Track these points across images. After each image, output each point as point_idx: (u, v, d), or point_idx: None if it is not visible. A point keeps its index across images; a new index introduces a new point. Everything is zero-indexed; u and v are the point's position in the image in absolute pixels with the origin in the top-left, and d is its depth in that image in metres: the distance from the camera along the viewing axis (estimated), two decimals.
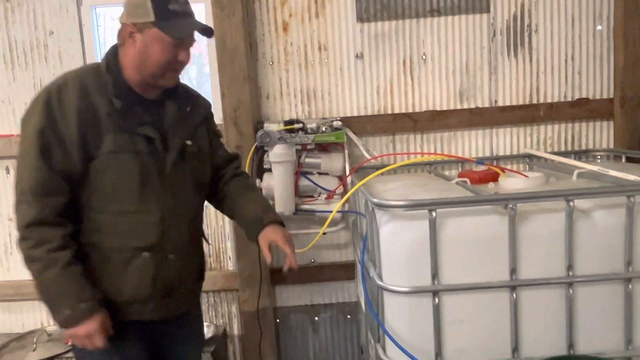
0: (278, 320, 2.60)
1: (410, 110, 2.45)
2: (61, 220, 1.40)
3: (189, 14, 1.50)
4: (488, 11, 2.39)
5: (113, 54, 1.51)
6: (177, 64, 1.49)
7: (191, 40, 1.52)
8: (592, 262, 1.47)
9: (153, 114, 1.52)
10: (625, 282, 1.47)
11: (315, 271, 2.55)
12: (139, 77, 1.48)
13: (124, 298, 1.48)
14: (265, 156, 2.34)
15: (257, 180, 2.37)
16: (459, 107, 2.44)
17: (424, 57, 2.43)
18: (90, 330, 1.38)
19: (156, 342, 1.63)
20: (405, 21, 2.40)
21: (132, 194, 1.46)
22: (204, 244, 1.75)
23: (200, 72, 2.86)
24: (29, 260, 1.38)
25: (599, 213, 1.48)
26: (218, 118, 2.13)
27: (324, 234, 2.50)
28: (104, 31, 2.60)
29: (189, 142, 1.58)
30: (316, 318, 2.61)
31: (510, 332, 1.48)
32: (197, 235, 1.67)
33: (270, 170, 2.33)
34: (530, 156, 2.38)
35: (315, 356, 2.64)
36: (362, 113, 2.45)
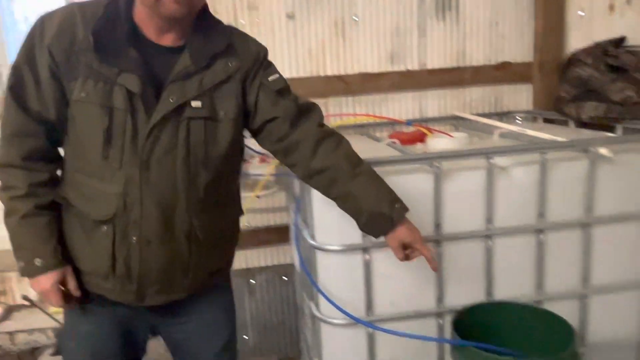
0: None
1: (343, 73, 2.45)
2: (32, 165, 1.24)
3: None
4: None
5: None
6: None
7: None
8: (510, 216, 1.57)
9: (157, 62, 1.21)
10: (537, 233, 1.59)
11: (250, 235, 2.54)
12: (145, 9, 1.18)
13: (87, 267, 1.30)
14: None
15: None
16: (390, 69, 2.47)
17: (355, 19, 2.42)
18: (44, 288, 1.27)
19: (156, 331, 1.47)
20: None
21: (95, 154, 1.20)
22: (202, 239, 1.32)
23: None
24: None
25: (516, 169, 1.58)
26: None
27: (258, 197, 2.50)
28: None
29: (196, 103, 1.22)
30: (252, 281, 2.62)
31: (435, 284, 1.56)
32: (182, 225, 1.26)
33: None
34: (457, 118, 2.48)
35: (252, 318, 2.66)
36: (295, 75, 2.42)
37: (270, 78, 1.33)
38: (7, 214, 1.25)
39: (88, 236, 1.26)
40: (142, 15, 1.21)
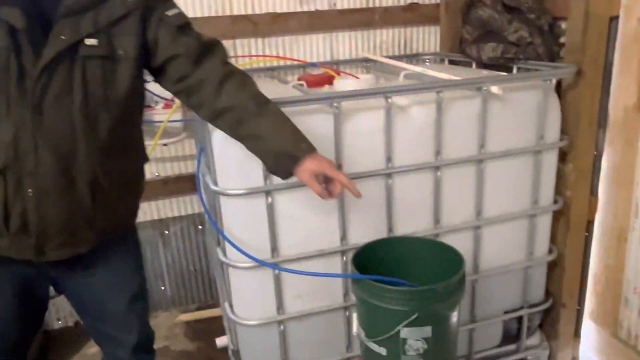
0: None
1: (250, 12, 2.34)
2: None
3: None
4: None
5: None
6: None
7: None
8: (408, 154, 1.62)
9: None
10: (434, 170, 1.65)
11: (160, 185, 2.46)
12: None
13: None
14: None
15: None
16: (298, 9, 2.39)
17: None
18: None
19: (58, 288, 1.40)
20: None
21: None
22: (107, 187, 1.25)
23: None
24: None
25: (414, 109, 1.61)
26: None
27: (164, 145, 2.40)
28: None
29: (91, 41, 1.13)
30: (166, 232, 2.57)
31: (338, 223, 1.60)
32: (83, 174, 1.20)
33: None
34: (367, 60, 2.47)
35: (169, 269, 2.63)
36: (199, 14, 2.28)
37: (170, 12, 1.26)
38: None
39: None
40: None
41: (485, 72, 1.97)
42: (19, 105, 1.11)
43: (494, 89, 1.61)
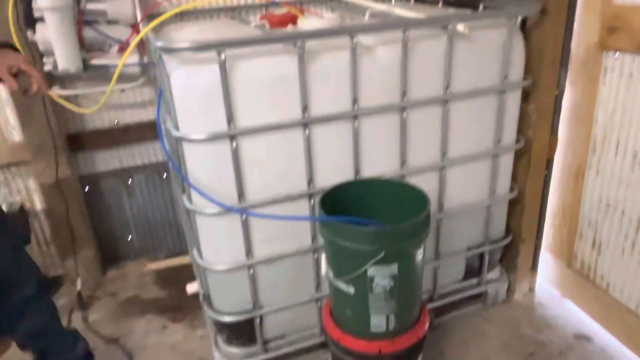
0: (86, 189, 2.44)
1: None
2: None
3: None
4: None
5: None
6: None
7: None
8: (375, 95, 1.59)
9: None
10: (400, 111, 1.64)
11: (120, 133, 2.38)
12: None
13: None
14: (33, 2, 1.94)
15: (30, 33, 1.99)
16: None
17: None
18: None
19: None
20: None
21: None
22: None
23: None
24: None
25: (380, 49, 1.58)
26: None
27: (122, 91, 2.30)
28: None
29: None
30: (129, 181, 2.51)
31: (305, 166, 1.59)
32: None
33: (43, 19, 1.96)
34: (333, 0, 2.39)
35: (134, 219, 2.59)
36: None
37: None
38: None
39: None
40: None
41: (451, 11, 1.93)
42: None
43: (460, 27, 1.59)
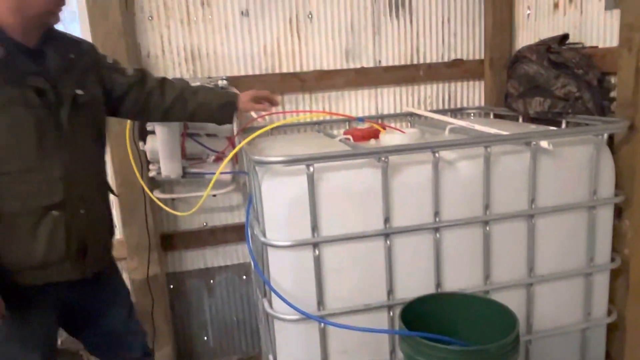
0: (172, 287, 2.55)
1: (298, 70, 2.45)
2: None
3: None
4: None
5: None
6: None
7: None
8: (456, 208, 1.61)
9: (38, 64, 1.39)
10: (483, 225, 1.62)
11: (208, 234, 2.52)
12: (18, 20, 1.33)
13: (35, 262, 1.39)
14: None
15: (140, 143, 2.26)
16: (345, 66, 2.49)
17: (310, 16, 2.42)
18: None
19: (73, 305, 1.57)
20: None
21: (30, 150, 1.35)
22: (110, 196, 1.69)
23: (70, 30, 2.62)
24: None
25: (462, 163, 1.61)
26: None
27: (214, 196, 2.48)
28: None
29: (79, 92, 1.46)
30: (211, 281, 2.60)
31: (385, 277, 1.58)
32: (103, 187, 1.61)
33: (153, 132, 2.23)
34: (411, 114, 2.51)
35: (212, 319, 2.64)
36: (250, 72, 2.41)
37: (110, 61, 1.68)
38: None
39: (35, 230, 1.37)
40: (10, 22, 1.34)
41: (533, 127, 1.96)
42: (60, 148, 1.40)
43: (544, 143, 1.60)
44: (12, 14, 1.32)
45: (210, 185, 1.80)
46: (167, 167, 2.22)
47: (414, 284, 1.60)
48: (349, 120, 2.44)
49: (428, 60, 2.55)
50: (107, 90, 1.63)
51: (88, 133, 1.51)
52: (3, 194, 1.34)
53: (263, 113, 1.93)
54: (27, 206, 1.36)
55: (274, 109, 1.87)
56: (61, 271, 1.44)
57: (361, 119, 2.04)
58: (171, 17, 2.31)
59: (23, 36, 1.37)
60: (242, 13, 2.36)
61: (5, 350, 1.43)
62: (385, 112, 2.56)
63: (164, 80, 1.78)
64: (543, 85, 2.03)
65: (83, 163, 1.47)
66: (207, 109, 1.79)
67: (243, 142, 1.76)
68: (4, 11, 1.32)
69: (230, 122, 1.81)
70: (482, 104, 2.63)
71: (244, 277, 2.62)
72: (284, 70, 2.43)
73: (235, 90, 1.87)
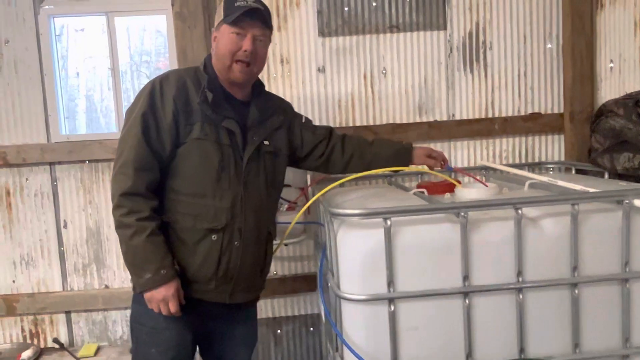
0: None
1: (372, 123, 2.50)
2: (151, 194, 1.57)
3: (256, 8, 1.61)
4: (445, 28, 2.48)
5: (208, 57, 1.71)
6: (240, 53, 1.60)
7: (254, 31, 1.61)
8: (541, 268, 1.52)
9: (238, 112, 1.67)
10: (571, 287, 1.52)
11: (277, 283, 2.54)
12: (219, 73, 1.65)
13: (188, 275, 1.61)
14: None
15: None
16: (418, 120, 2.50)
17: (384, 72, 2.49)
18: (167, 295, 1.53)
19: (210, 329, 1.73)
20: (366, 36, 2.46)
21: (210, 179, 1.60)
22: (272, 242, 1.82)
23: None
24: (120, 227, 1.54)
25: (546, 221, 1.54)
26: None
27: (285, 245, 2.51)
28: (67, 42, 2.57)
29: (266, 142, 1.72)
30: (278, 331, 2.59)
31: (463, 338, 1.51)
32: (264, 230, 1.74)
33: None
34: (486, 168, 2.46)
35: None
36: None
37: (304, 120, 1.93)
38: (134, 234, 1.52)
39: (195, 247, 1.60)
40: (219, 76, 1.67)
41: (622, 184, 1.86)
42: (235, 182, 1.63)
43: (638, 202, 1.50)
44: (216, 69, 1.66)
45: (286, 234, 1.84)
46: None
47: (495, 347, 1.51)
48: (420, 173, 2.42)
49: (504, 114, 2.52)
50: (295, 145, 1.86)
51: (264, 178, 1.71)
52: (180, 210, 1.61)
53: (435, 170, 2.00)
54: (195, 225, 1.60)
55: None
56: (206, 290, 1.63)
57: (450, 168, 2.07)
58: None
59: (230, 87, 1.68)
60: (318, 69, 2.47)
61: (146, 353, 1.65)
62: (459, 165, 2.53)
63: (344, 136, 1.95)
64: (631, 140, 1.94)
65: (252, 202, 1.66)
66: (383, 157, 1.92)
67: (319, 193, 1.80)
68: (215, 67, 1.67)
69: (406, 165, 1.94)
70: (562, 158, 2.54)
71: (311, 328, 2.60)
72: (358, 123, 2.49)
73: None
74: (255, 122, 1.70)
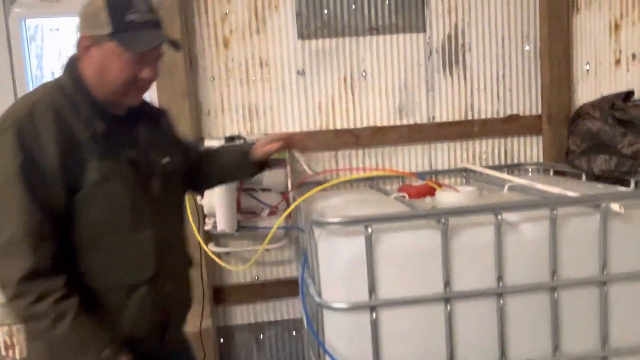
0: (222, 340, 2.54)
1: (352, 127, 2.49)
2: (58, 265, 1.20)
3: (154, 24, 1.29)
4: (424, 31, 2.48)
5: (72, 68, 1.30)
6: (140, 81, 1.30)
7: (157, 54, 1.32)
8: (521, 273, 1.53)
9: (129, 134, 1.35)
10: (551, 291, 1.54)
11: (259, 288, 2.52)
12: (102, 94, 1.29)
13: (121, 336, 1.29)
14: None
15: (199, 197, 2.32)
16: (398, 123, 2.50)
17: (364, 74, 2.48)
18: None
19: None
20: (345, 39, 2.45)
21: (125, 225, 1.29)
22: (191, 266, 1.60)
23: None
24: (32, 319, 1.20)
25: (525, 225, 1.55)
26: None
27: (267, 250, 2.49)
28: (41, 41, 2.50)
29: (166, 160, 1.42)
30: (261, 336, 2.57)
31: (445, 343, 1.51)
32: (187, 259, 1.54)
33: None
34: (466, 170, 2.47)
35: None
36: (305, 129, 2.46)
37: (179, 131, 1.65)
38: (55, 322, 1.18)
39: (122, 306, 1.30)
40: (99, 94, 1.29)
41: (599, 186, 1.88)
42: (152, 222, 1.34)
43: (615, 206, 1.52)
44: (98, 89, 1.29)
45: (267, 239, 1.81)
46: (223, 221, 2.26)
47: (476, 352, 1.52)
48: (402, 176, 2.42)
49: (483, 116, 2.54)
50: (189, 164, 1.59)
51: (175, 202, 1.48)
52: (96, 269, 1.28)
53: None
54: (118, 281, 1.30)
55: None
56: (144, 346, 1.35)
57: (423, 178, 2.03)
58: (231, 77, 2.43)
59: (110, 106, 1.32)
60: (298, 72, 2.45)
61: None
62: (440, 167, 2.53)
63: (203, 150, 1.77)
64: (608, 142, 1.96)
65: (172, 236, 1.43)
66: (230, 172, 1.72)
67: (300, 199, 1.78)
68: (93, 85, 1.28)
69: (253, 172, 1.67)
70: (541, 159, 2.56)
71: (294, 332, 2.58)
72: (338, 126, 2.48)
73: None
74: (148, 139, 1.38)
